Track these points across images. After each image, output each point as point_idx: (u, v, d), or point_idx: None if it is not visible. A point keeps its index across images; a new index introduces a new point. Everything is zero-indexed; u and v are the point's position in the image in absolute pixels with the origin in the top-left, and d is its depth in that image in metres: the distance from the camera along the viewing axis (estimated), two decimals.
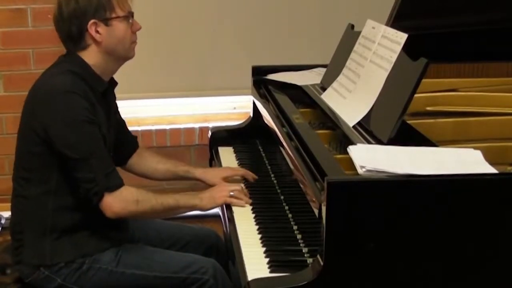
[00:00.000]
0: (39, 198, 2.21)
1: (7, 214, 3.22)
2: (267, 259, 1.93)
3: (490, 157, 1.81)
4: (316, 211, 1.79)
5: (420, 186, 1.68)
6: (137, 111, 3.81)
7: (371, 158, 1.77)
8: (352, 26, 2.62)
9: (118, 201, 2.15)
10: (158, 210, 2.25)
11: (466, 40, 2.56)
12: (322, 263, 1.68)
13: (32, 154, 2.20)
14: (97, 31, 2.20)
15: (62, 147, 2.12)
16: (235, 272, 1.97)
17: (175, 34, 3.71)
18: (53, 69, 2.26)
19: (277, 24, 3.78)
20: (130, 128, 2.58)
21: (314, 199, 1.82)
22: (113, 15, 2.21)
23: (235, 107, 3.90)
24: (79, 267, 2.20)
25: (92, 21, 2.19)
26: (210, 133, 2.98)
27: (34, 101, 2.20)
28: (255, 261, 1.93)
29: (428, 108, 2.35)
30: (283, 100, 2.59)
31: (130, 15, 2.26)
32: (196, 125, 3.78)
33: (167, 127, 3.78)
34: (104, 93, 2.28)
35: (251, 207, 2.29)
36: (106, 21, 2.21)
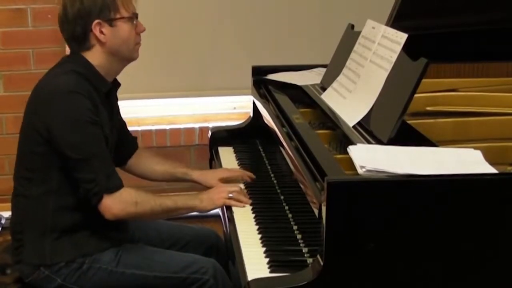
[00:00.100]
0: (40, 198, 2.21)
1: (7, 214, 3.22)
2: (267, 259, 1.93)
3: (490, 157, 1.81)
4: (316, 211, 1.79)
5: (420, 186, 1.68)
6: (137, 111, 3.81)
7: (371, 158, 1.77)
8: (352, 26, 2.62)
9: (117, 203, 2.16)
10: (157, 212, 2.25)
11: (466, 40, 2.56)
12: (322, 263, 1.68)
13: (34, 153, 2.20)
14: (101, 32, 2.21)
15: (64, 147, 2.13)
16: (235, 272, 1.97)
17: (175, 34, 3.72)
18: (56, 69, 2.27)
19: (277, 24, 3.78)
20: (130, 128, 2.58)
21: (314, 199, 1.82)
22: (118, 16, 2.22)
23: (235, 107, 3.90)
24: (79, 267, 2.21)
25: (96, 21, 2.19)
26: (210, 133, 2.98)
27: (37, 100, 2.20)
28: (255, 261, 1.93)
29: (428, 108, 2.35)
30: (283, 100, 2.59)
31: (134, 16, 2.27)
32: (196, 125, 3.79)
33: (167, 127, 3.78)
34: (107, 93, 2.28)
35: (251, 207, 2.29)
36: (111, 22, 2.21)
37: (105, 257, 2.23)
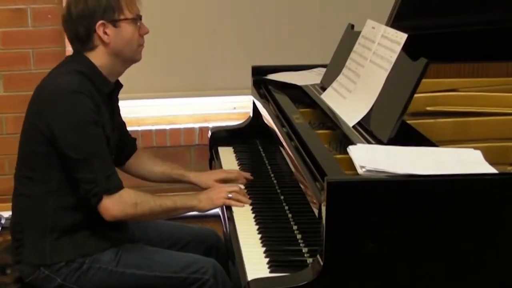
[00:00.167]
0: (41, 198, 2.22)
1: (7, 214, 3.22)
2: (267, 259, 1.93)
3: (490, 157, 1.81)
4: (316, 211, 1.79)
5: (420, 186, 1.68)
6: (137, 111, 3.81)
7: (371, 158, 1.77)
8: (352, 26, 2.62)
9: (117, 204, 2.16)
10: (157, 212, 2.25)
11: (466, 40, 2.56)
12: (322, 263, 1.68)
13: (35, 153, 2.20)
14: (105, 32, 2.21)
15: (64, 146, 2.13)
16: (235, 272, 1.97)
17: (175, 34, 3.72)
18: (59, 69, 2.27)
19: (277, 24, 3.78)
20: (130, 128, 2.58)
21: (314, 199, 1.82)
22: (122, 17, 2.23)
23: (235, 107, 3.90)
24: (79, 267, 2.21)
25: (100, 22, 2.20)
26: (210, 133, 2.98)
27: (40, 100, 2.21)
28: (255, 261, 1.93)
29: (428, 108, 2.35)
30: (283, 100, 2.59)
31: (138, 18, 2.28)
32: (196, 125, 3.79)
33: (167, 127, 3.78)
34: (109, 94, 2.29)
35: (251, 207, 2.29)
36: (114, 23, 2.22)
37: (105, 257, 2.23)
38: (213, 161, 2.86)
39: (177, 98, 3.85)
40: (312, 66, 2.94)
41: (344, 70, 2.43)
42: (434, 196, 1.68)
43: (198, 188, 2.51)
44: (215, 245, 2.51)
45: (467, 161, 1.78)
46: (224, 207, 2.32)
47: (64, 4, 3.50)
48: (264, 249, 2.00)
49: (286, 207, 2.28)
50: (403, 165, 1.72)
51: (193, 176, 2.55)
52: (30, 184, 2.24)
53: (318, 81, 2.68)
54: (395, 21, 2.46)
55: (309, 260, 1.90)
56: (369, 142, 1.98)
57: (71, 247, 2.21)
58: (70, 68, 2.22)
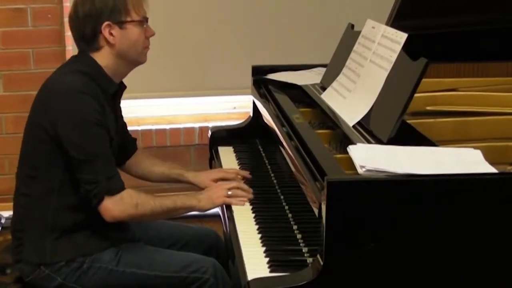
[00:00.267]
0: (42, 197, 2.22)
1: (7, 214, 3.22)
2: (267, 259, 1.93)
3: (490, 157, 1.81)
4: (316, 211, 1.79)
5: (420, 186, 1.68)
6: (137, 111, 3.81)
7: (371, 157, 1.77)
8: (352, 26, 2.62)
9: (117, 205, 2.16)
10: (157, 213, 2.25)
11: (466, 40, 2.56)
12: (322, 263, 1.68)
13: (39, 152, 2.21)
14: (110, 33, 2.22)
15: (68, 146, 2.14)
16: (235, 271, 1.97)
17: (175, 34, 3.71)
18: (64, 69, 2.29)
19: (277, 24, 3.78)
20: (130, 128, 2.58)
21: (314, 199, 1.82)
22: (128, 19, 2.23)
23: (235, 107, 3.90)
24: (79, 266, 2.21)
25: (106, 22, 2.20)
26: (210, 132, 2.98)
27: (44, 99, 2.21)
28: (255, 261, 1.93)
29: (428, 108, 2.35)
30: (283, 100, 2.59)
31: (144, 20, 2.28)
32: (196, 125, 3.79)
33: (167, 127, 3.78)
34: (114, 95, 2.29)
35: (251, 207, 2.29)
36: (121, 24, 2.22)
37: (105, 256, 2.23)
38: (213, 161, 2.86)
39: (177, 98, 3.85)
40: (312, 66, 2.94)
41: (344, 70, 2.43)
42: (434, 196, 1.68)
43: (197, 188, 2.51)
44: (215, 245, 2.51)
45: (467, 160, 1.78)
46: (224, 206, 2.33)
47: (64, 4, 3.52)
48: (264, 248, 2.00)
49: (286, 207, 2.28)
50: (403, 164, 1.72)
51: (192, 176, 2.55)
52: (32, 183, 2.24)
53: (318, 81, 2.68)
54: (395, 21, 2.46)
55: (309, 260, 1.90)
56: (369, 142, 1.98)
57: (71, 246, 2.22)
58: (75, 68, 2.22)
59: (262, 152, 2.80)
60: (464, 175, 1.71)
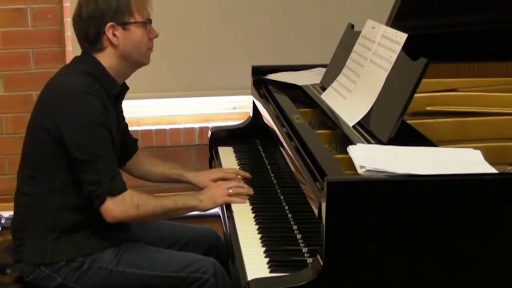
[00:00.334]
0: (44, 197, 2.22)
1: (7, 214, 3.22)
2: (267, 259, 1.93)
3: (490, 157, 1.81)
4: (316, 211, 1.79)
5: (420, 186, 1.68)
6: (137, 111, 3.81)
7: (371, 158, 1.77)
8: (352, 26, 2.62)
9: (119, 206, 2.16)
10: (158, 213, 2.26)
11: (466, 40, 2.56)
12: (322, 263, 1.68)
13: (42, 152, 2.21)
14: (114, 34, 2.22)
15: (70, 146, 2.14)
16: (235, 271, 1.97)
17: (175, 34, 3.71)
18: (68, 69, 2.29)
19: (277, 24, 3.78)
20: (130, 128, 2.58)
21: (314, 199, 1.82)
22: (132, 20, 2.24)
23: (235, 107, 3.89)
24: (79, 266, 2.21)
25: (110, 23, 2.21)
26: (210, 133, 2.98)
27: (48, 100, 2.22)
28: (255, 261, 1.93)
29: (428, 108, 2.35)
30: (283, 100, 2.59)
31: (148, 21, 2.29)
32: (196, 125, 3.78)
33: (167, 127, 3.78)
34: (116, 96, 2.30)
35: (251, 207, 2.29)
36: (124, 25, 2.23)
37: (106, 256, 2.23)
38: (213, 161, 2.86)
39: (177, 98, 3.84)
40: (312, 66, 2.94)
41: (344, 70, 2.43)
42: (434, 196, 1.68)
43: (197, 187, 2.51)
44: (215, 245, 2.51)
45: (467, 161, 1.78)
46: (224, 206, 2.33)
47: (64, 4, 3.52)
48: (264, 249, 2.00)
49: (286, 207, 2.28)
50: (403, 165, 1.72)
51: (191, 176, 2.55)
52: (34, 183, 2.24)
53: (318, 81, 2.68)
54: (395, 21, 2.46)
55: (309, 260, 1.90)
56: (369, 142, 1.98)
57: (71, 246, 2.22)
58: (79, 69, 2.23)
59: (262, 152, 2.80)
60: (464, 175, 1.71)
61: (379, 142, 1.96)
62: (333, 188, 1.65)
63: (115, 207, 2.16)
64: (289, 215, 2.21)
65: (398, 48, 2.11)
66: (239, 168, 2.65)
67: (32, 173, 2.25)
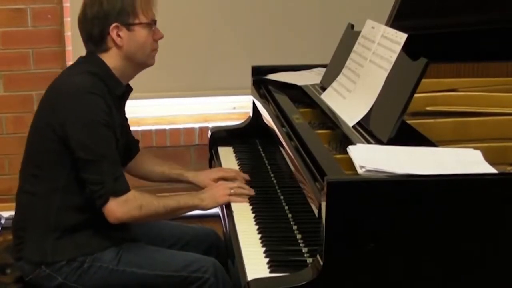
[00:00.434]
0: (46, 196, 2.22)
1: (7, 214, 3.22)
2: (267, 259, 1.93)
3: (490, 157, 1.81)
4: (316, 211, 1.79)
5: (420, 186, 1.68)
6: (137, 111, 3.81)
7: (371, 158, 1.77)
8: (352, 26, 2.62)
9: (122, 207, 2.16)
10: (161, 213, 2.26)
11: (466, 40, 2.56)
12: (322, 263, 1.68)
13: (46, 151, 2.21)
14: (118, 35, 2.23)
15: (75, 146, 2.14)
16: (235, 271, 1.97)
17: (175, 34, 3.71)
18: (73, 69, 2.30)
19: (277, 24, 3.78)
20: (130, 128, 2.58)
21: (314, 199, 1.82)
22: (136, 21, 2.25)
23: (235, 107, 3.89)
24: (80, 266, 2.21)
25: (114, 24, 2.21)
26: (210, 133, 2.98)
27: (53, 100, 2.22)
28: (255, 261, 1.93)
29: (428, 108, 2.35)
30: (283, 100, 2.59)
31: (153, 22, 2.29)
32: (196, 125, 3.78)
33: (167, 127, 3.78)
34: (120, 97, 2.30)
35: (251, 207, 2.29)
36: (128, 26, 2.24)
37: (106, 256, 2.23)
38: (213, 161, 2.86)
39: (177, 98, 3.84)
40: (312, 66, 2.94)
41: (344, 70, 2.43)
42: (434, 196, 1.68)
43: (197, 187, 2.51)
44: (215, 245, 2.51)
45: (467, 161, 1.78)
46: (224, 206, 2.33)
47: (64, 4, 3.52)
48: (264, 249, 2.00)
49: (286, 207, 2.28)
50: (403, 165, 1.72)
51: (191, 176, 2.56)
52: (36, 182, 2.25)
53: (318, 81, 2.68)
54: (395, 21, 2.46)
55: (309, 260, 1.90)
56: (369, 142, 1.98)
57: (73, 246, 2.22)
58: (84, 69, 2.24)
59: (262, 152, 2.80)
60: (464, 175, 1.71)
61: (379, 142, 1.96)
62: (333, 188, 1.65)
63: (118, 208, 2.16)
64: (289, 215, 2.21)
65: (398, 48, 2.11)
66: (239, 169, 2.65)
67: (35, 172, 2.25)
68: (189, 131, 3.77)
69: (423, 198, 1.68)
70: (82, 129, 2.15)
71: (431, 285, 1.73)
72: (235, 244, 2.07)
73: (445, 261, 1.70)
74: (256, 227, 2.15)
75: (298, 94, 2.66)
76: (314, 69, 2.91)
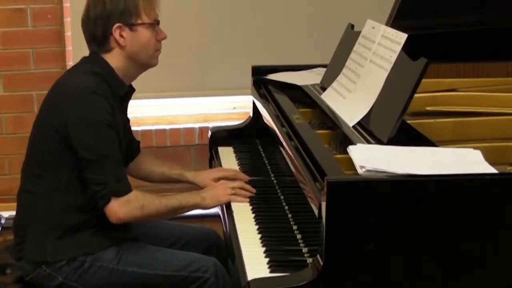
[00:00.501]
0: (48, 195, 2.23)
1: (7, 214, 3.23)
2: (267, 259, 1.93)
3: (490, 157, 1.81)
4: (316, 211, 1.79)
5: (420, 186, 1.68)
6: (137, 111, 3.80)
7: (371, 158, 1.77)
8: (352, 26, 2.62)
9: (124, 207, 2.17)
10: (162, 213, 2.26)
11: (466, 40, 2.56)
12: (322, 263, 1.68)
13: (48, 151, 2.22)
14: (121, 35, 2.24)
15: (78, 146, 2.15)
16: (235, 271, 1.97)
17: (175, 34, 3.70)
18: (76, 70, 2.31)
19: (277, 24, 3.78)
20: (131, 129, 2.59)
21: (314, 199, 1.82)
22: (139, 21, 2.25)
23: (235, 107, 3.89)
24: (80, 265, 2.21)
25: (117, 24, 2.22)
26: (210, 133, 2.98)
27: (56, 100, 2.23)
28: (255, 261, 1.93)
29: (428, 108, 2.35)
30: (283, 100, 2.59)
31: (156, 23, 2.29)
32: (196, 125, 3.78)
33: (167, 127, 3.78)
34: (123, 97, 2.30)
35: (251, 207, 2.29)
36: (131, 26, 2.24)
37: (107, 255, 2.23)
38: (213, 161, 2.86)
39: (177, 98, 3.84)
40: (312, 66, 2.94)
41: (344, 70, 2.43)
42: (434, 196, 1.68)
43: (197, 187, 2.51)
44: (215, 244, 2.51)
45: (467, 161, 1.78)
46: (224, 206, 2.33)
47: (64, 4, 3.52)
48: (264, 249, 2.00)
49: (286, 207, 2.28)
50: (403, 165, 1.72)
51: (191, 176, 2.56)
52: (38, 181, 2.25)
53: (318, 81, 2.68)
54: (395, 21, 2.46)
55: (309, 260, 1.90)
56: (369, 142, 1.98)
57: (73, 246, 2.22)
58: (87, 69, 2.24)
59: (262, 152, 2.80)
60: (464, 175, 1.71)
61: (379, 142, 1.96)
62: (333, 188, 1.65)
63: (120, 208, 2.16)
64: (289, 215, 2.21)
65: (398, 48, 2.11)
66: (239, 169, 2.65)
67: (37, 171, 2.25)
68: (189, 131, 3.77)
69: (423, 198, 1.68)
70: (86, 129, 2.15)
71: (431, 285, 1.73)
72: (235, 244, 2.07)
73: (445, 261, 1.70)
74: (256, 227, 2.15)
75: (298, 94, 2.66)
76: (314, 69, 2.91)
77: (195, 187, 2.53)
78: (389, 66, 2.11)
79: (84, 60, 2.33)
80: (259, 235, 2.09)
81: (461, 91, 2.45)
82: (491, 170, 1.74)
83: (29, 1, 3.52)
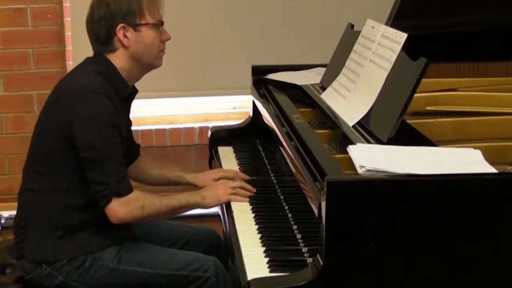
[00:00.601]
0: (49, 195, 2.23)
1: (7, 214, 3.23)
2: (267, 259, 1.93)
3: (490, 157, 1.81)
4: (316, 211, 1.79)
5: (420, 186, 1.68)
6: (137, 111, 3.80)
7: (370, 157, 1.77)
8: (352, 26, 2.63)
9: (124, 207, 2.17)
10: (163, 213, 2.27)
11: (466, 40, 2.56)
12: (321, 263, 1.68)
13: (51, 150, 2.22)
14: (125, 36, 2.24)
15: (81, 146, 2.15)
16: (235, 270, 1.97)
17: (174, 34, 3.70)
18: (80, 70, 2.31)
19: (277, 24, 3.78)
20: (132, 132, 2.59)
21: (314, 199, 1.82)
22: (143, 22, 2.25)
23: (235, 107, 3.89)
24: (81, 265, 2.21)
25: (121, 25, 2.22)
26: (210, 132, 2.98)
27: (60, 99, 2.23)
28: (255, 261, 1.93)
29: (428, 108, 2.35)
30: (283, 100, 2.59)
31: (160, 23, 2.29)
32: (196, 125, 3.78)
33: (167, 126, 3.78)
34: (127, 98, 2.30)
35: (251, 207, 2.29)
36: (135, 27, 2.24)
37: (107, 254, 2.23)
38: (213, 161, 2.86)
39: (177, 98, 3.84)
40: (312, 66, 2.94)
41: (344, 70, 2.43)
42: (434, 196, 1.68)
43: (197, 188, 2.51)
44: (215, 244, 2.52)
45: (466, 161, 1.78)
46: (224, 206, 2.33)
47: (64, 4, 3.52)
48: (264, 248, 2.00)
49: (286, 207, 2.28)
50: (403, 164, 1.72)
51: (191, 178, 2.56)
52: (39, 180, 2.25)
53: (318, 81, 2.68)
54: (395, 21, 2.46)
55: (309, 260, 1.90)
56: (369, 142, 1.98)
57: (74, 245, 2.22)
58: (91, 69, 2.24)
59: (262, 152, 2.80)
60: (464, 175, 1.71)
61: (379, 142, 1.96)
62: (333, 188, 1.65)
63: (121, 208, 2.17)
64: (289, 215, 2.21)
65: (398, 48, 2.11)
66: (239, 168, 2.65)
67: (39, 170, 2.26)
68: (189, 130, 3.77)
69: (423, 198, 1.68)
70: (89, 129, 2.15)
71: (431, 285, 1.73)
72: (235, 244, 2.07)
73: (445, 261, 1.70)
74: (256, 227, 2.15)
75: (298, 94, 2.66)
76: (314, 69, 2.91)
77: (195, 188, 2.53)
78: (389, 66, 2.11)
79: (88, 60, 2.33)
80: (259, 235, 2.09)
81: (461, 91, 2.45)
82: (491, 170, 1.74)
83: (29, 1, 3.52)
